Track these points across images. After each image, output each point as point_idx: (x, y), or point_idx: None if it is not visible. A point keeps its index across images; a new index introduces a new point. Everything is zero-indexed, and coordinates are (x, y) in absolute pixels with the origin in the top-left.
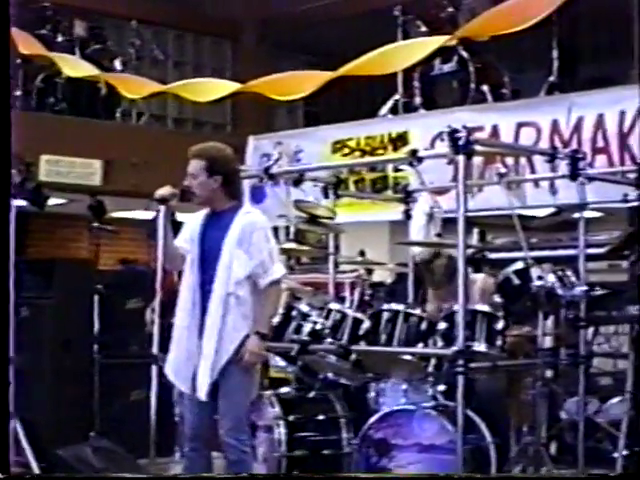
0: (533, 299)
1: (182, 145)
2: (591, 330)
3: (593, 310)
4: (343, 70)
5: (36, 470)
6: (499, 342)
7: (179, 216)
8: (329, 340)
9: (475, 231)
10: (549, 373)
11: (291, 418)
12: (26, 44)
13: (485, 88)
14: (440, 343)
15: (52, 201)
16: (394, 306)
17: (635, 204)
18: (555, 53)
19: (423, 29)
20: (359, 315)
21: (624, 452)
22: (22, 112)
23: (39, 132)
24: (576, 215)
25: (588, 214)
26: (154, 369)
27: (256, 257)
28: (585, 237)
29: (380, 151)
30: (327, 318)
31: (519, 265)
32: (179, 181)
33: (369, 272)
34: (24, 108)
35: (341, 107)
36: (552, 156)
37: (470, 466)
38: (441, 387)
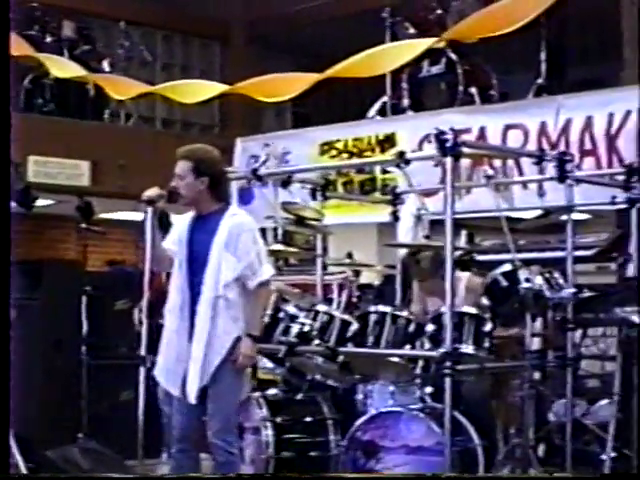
0: (521, 301)
1: (170, 146)
2: (579, 332)
3: (581, 312)
4: (331, 72)
5: (24, 470)
6: (487, 344)
7: (174, 217)
8: (317, 342)
9: (463, 233)
10: (537, 375)
11: (278, 420)
12: (14, 45)
13: (473, 90)
14: (428, 345)
15: (40, 202)
16: (382, 308)
17: (623, 206)
18: (543, 55)
19: (411, 31)
20: (347, 317)
21: (612, 454)
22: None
23: (27, 133)
24: (564, 217)
25: (576, 216)
26: (142, 370)
27: (244, 259)
28: (573, 239)
29: (368, 153)
30: (315, 320)
31: (507, 267)
32: (167, 182)
33: (357, 274)
34: (12, 109)
35: (329, 109)
36: (540, 158)
37: (458, 468)
38: (429, 389)
